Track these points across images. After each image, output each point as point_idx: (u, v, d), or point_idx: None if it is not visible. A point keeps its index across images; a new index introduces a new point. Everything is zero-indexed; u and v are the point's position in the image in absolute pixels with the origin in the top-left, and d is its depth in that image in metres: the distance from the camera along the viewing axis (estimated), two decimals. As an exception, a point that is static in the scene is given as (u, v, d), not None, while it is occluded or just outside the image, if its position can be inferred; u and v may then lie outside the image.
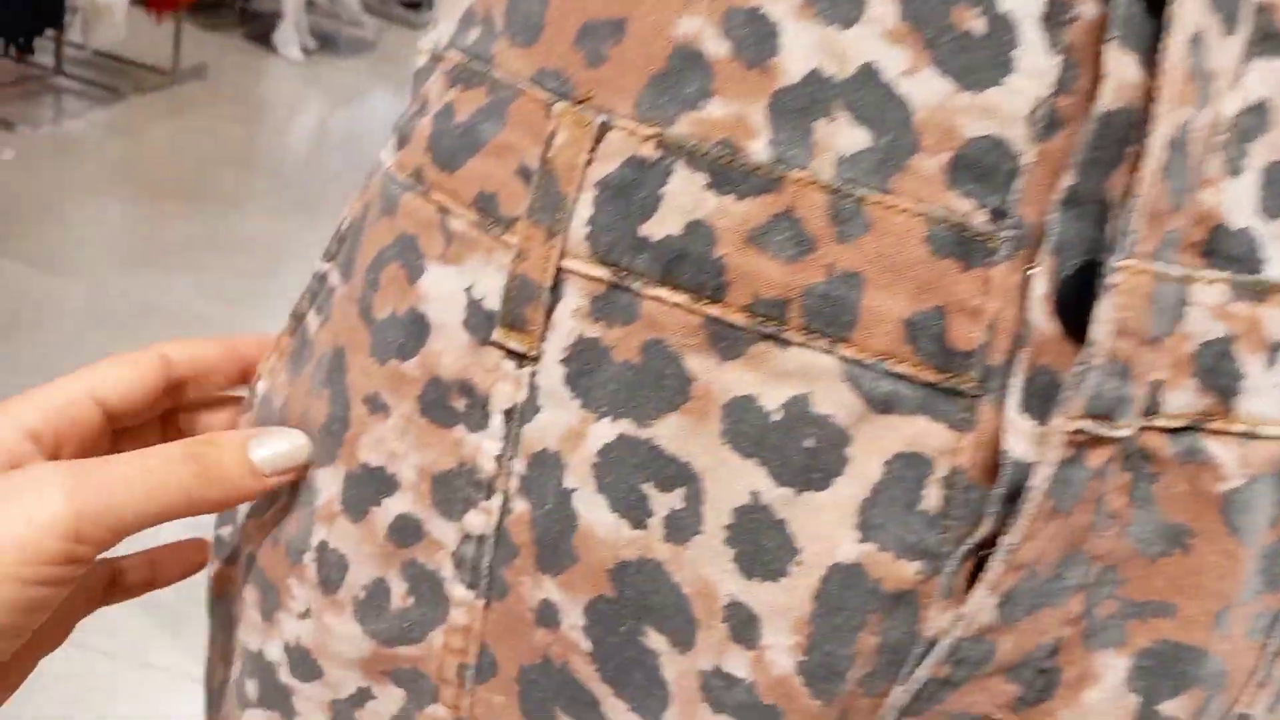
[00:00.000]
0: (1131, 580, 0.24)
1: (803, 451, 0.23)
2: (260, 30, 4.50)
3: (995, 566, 0.23)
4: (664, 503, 0.25)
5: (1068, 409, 0.22)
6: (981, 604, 0.23)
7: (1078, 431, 0.22)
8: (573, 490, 0.25)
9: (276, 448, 0.29)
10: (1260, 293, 0.22)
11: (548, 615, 0.27)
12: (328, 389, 0.29)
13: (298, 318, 0.33)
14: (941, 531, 0.23)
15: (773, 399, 0.23)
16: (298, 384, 0.31)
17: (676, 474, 0.24)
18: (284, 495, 0.31)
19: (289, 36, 4.36)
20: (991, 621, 0.24)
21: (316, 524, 0.29)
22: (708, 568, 0.24)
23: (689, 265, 0.23)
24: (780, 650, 0.24)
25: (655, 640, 0.25)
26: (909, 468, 0.23)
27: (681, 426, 0.24)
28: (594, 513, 0.25)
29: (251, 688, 0.32)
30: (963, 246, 0.22)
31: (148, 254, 2.50)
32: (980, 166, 0.22)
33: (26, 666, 0.31)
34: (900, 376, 0.23)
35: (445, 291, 0.27)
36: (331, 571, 0.29)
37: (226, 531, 0.35)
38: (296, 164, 3.39)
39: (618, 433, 0.25)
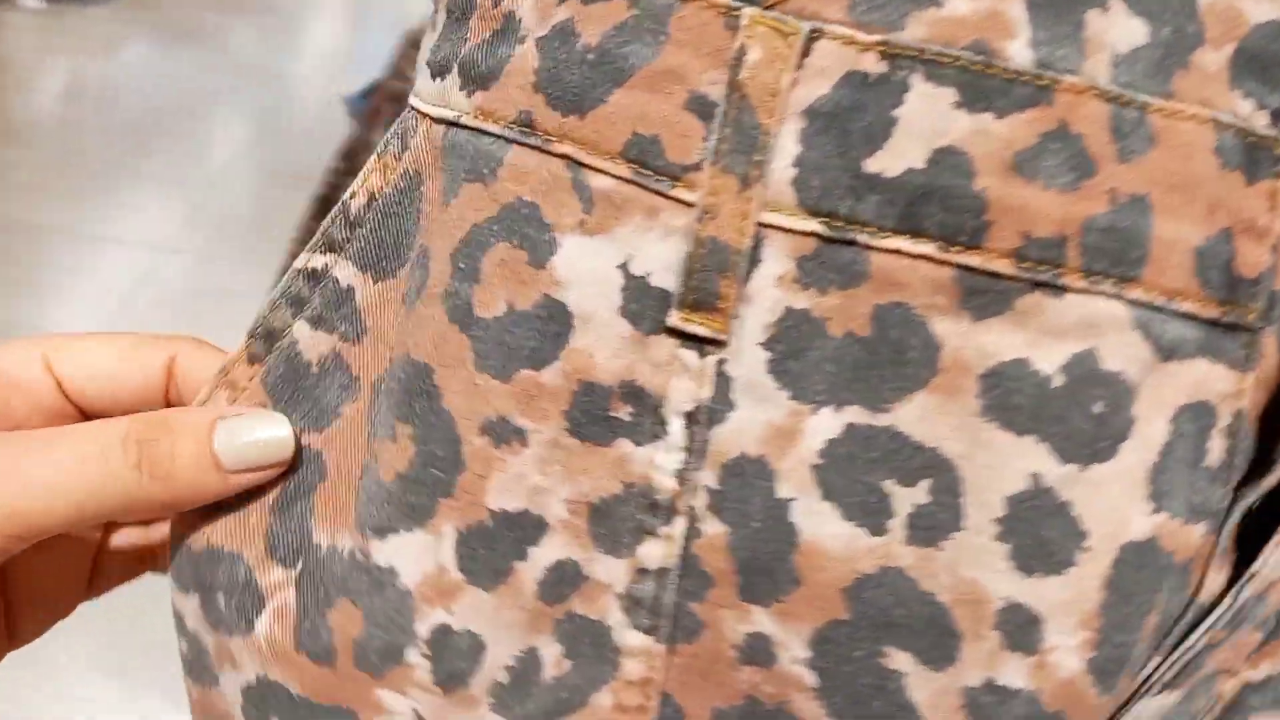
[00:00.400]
0: None
1: (1090, 419, 0.20)
2: None
3: None
4: (907, 499, 0.20)
5: None
6: (1272, 558, 0.21)
7: None
8: (790, 501, 0.21)
9: (249, 434, 0.23)
10: None
11: (758, 652, 0.22)
12: (407, 425, 0.22)
13: (269, 336, 0.25)
14: (1224, 485, 0.21)
15: (1050, 361, 0.19)
16: (324, 435, 0.24)
17: (924, 464, 0.20)
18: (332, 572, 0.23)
19: None
20: (1276, 576, 0.21)
21: (419, 607, 0.22)
22: (973, 569, 0.20)
23: (937, 205, 0.19)
24: (1067, 651, 0.21)
25: (899, 660, 0.21)
26: (1194, 420, 0.20)
27: (928, 407, 0.20)
28: (822, 525, 0.21)
29: None
30: (1248, 155, 0.20)
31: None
32: (1263, 59, 0.19)
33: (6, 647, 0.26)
34: (1187, 316, 0.19)
35: (591, 271, 0.20)
36: (458, 662, 0.22)
37: (184, 647, 0.26)
38: (48, 130, 2.98)
39: (844, 423, 0.20)
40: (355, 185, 0.24)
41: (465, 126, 0.22)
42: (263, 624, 0.24)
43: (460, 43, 0.22)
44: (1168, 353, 0.20)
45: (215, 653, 0.25)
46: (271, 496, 0.24)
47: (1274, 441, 0.21)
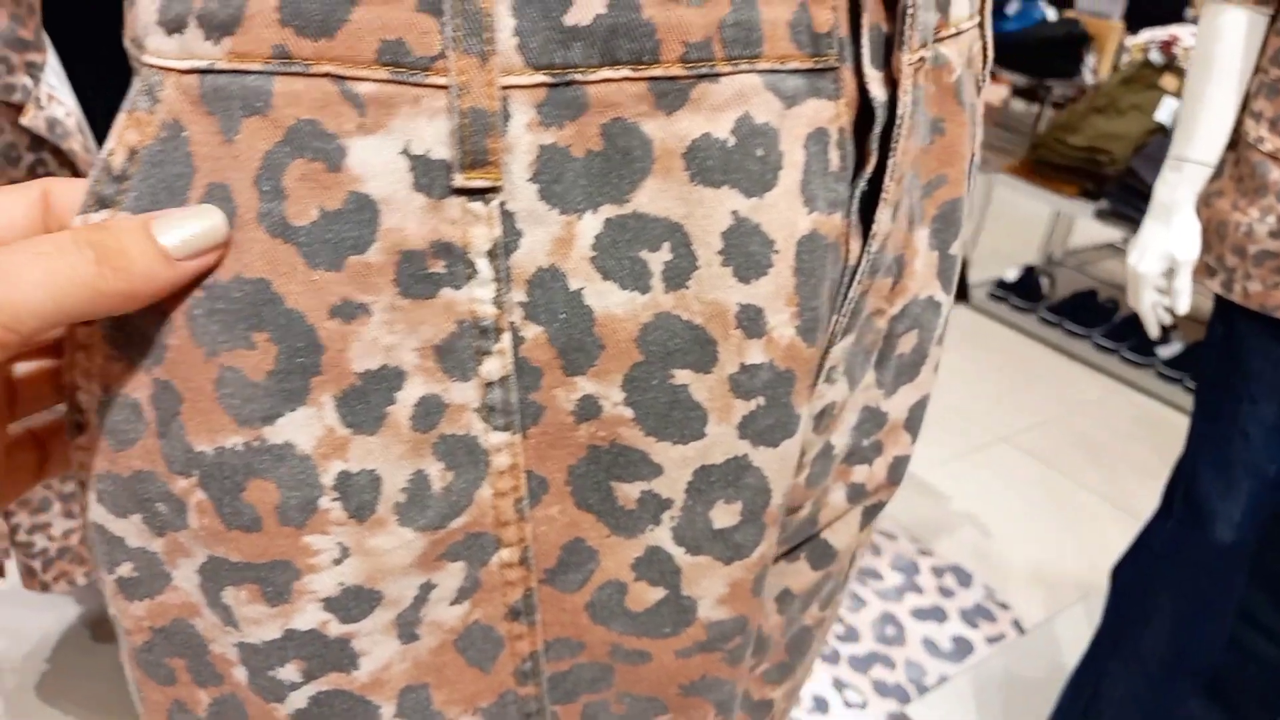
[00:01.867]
0: (921, 172, 0.34)
1: (758, 161, 0.27)
2: None
3: (889, 185, 0.30)
4: (658, 260, 0.28)
5: (910, 45, 0.29)
6: (882, 218, 0.31)
7: (920, 60, 0.30)
8: (581, 289, 0.27)
9: (188, 229, 0.25)
10: None
11: (588, 409, 0.28)
12: (260, 332, 0.25)
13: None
14: (845, 182, 0.29)
15: (722, 129, 0.27)
16: (166, 363, 0.26)
17: (662, 231, 0.27)
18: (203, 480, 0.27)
19: None
20: (888, 230, 0.32)
21: (318, 463, 0.27)
22: (713, 293, 0.28)
23: (623, 37, 0.25)
24: (782, 325, 0.29)
25: (682, 376, 0.29)
26: (817, 142, 0.28)
27: (655, 189, 0.27)
28: (607, 299, 0.27)
29: (290, 671, 0.29)
30: None
31: None
32: None
33: None
34: (795, 71, 0.27)
35: (380, 162, 0.25)
36: (363, 495, 0.27)
37: (127, 569, 0.29)
38: None
39: (603, 220, 0.27)
40: (109, 144, 0.25)
41: (222, 71, 0.24)
42: (192, 518, 0.27)
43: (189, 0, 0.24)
44: (790, 101, 0.27)
45: (167, 552, 0.28)
46: (153, 422, 0.27)
47: (864, 141, 0.30)
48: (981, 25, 0.36)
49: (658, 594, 0.32)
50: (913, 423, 0.40)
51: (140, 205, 0.25)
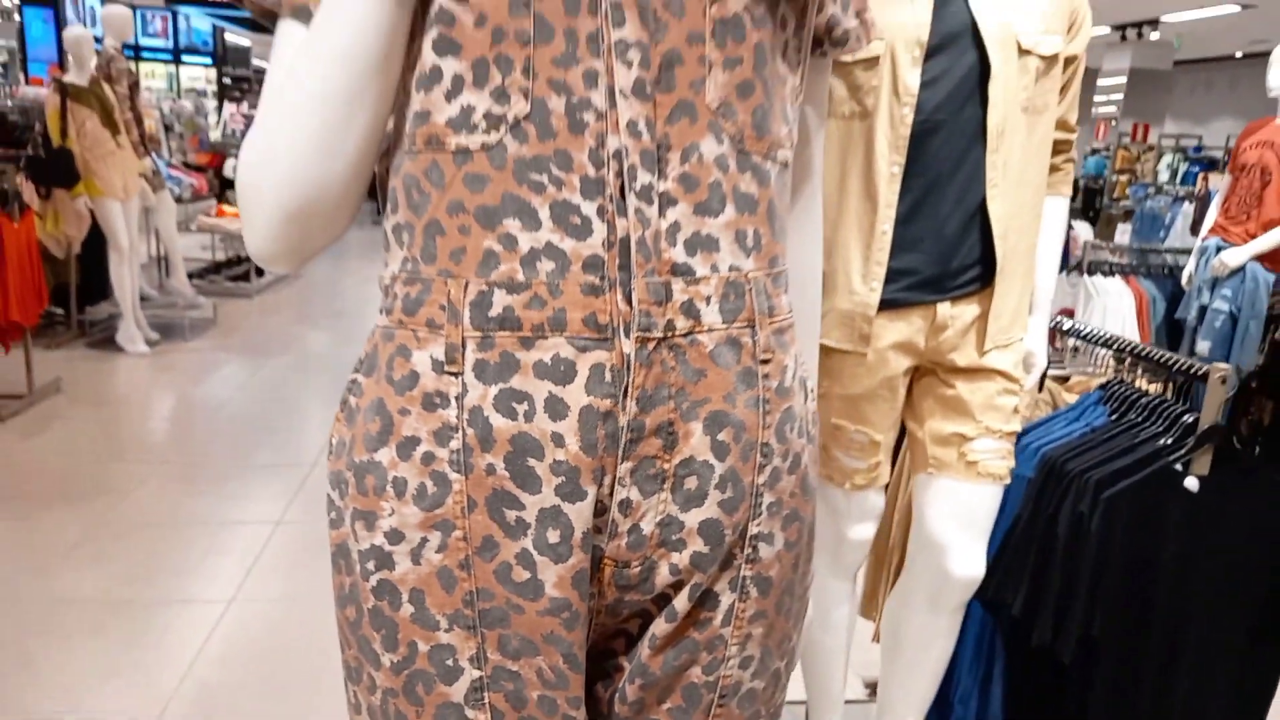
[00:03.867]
0: (690, 391, 0.62)
1: (561, 373, 0.61)
2: (102, 335, 4.85)
3: (631, 391, 0.60)
4: (520, 408, 0.60)
5: (634, 331, 0.59)
6: (630, 405, 0.61)
7: (650, 338, 0.60)
8: (489, 415, 0.59)
9: None
10: None
11: (491, 469, 0.60)
12: (377, 417, 0.61)
13: (345, 403, 0.65)
14: (616, 385, 0.60)
15: (549, 356, 0.60)
16: (354, 427, 0.63)
17: (520, 395, 0.59)
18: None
19: (131, 333, 4.69)
20: (635, 410, 0.61)
21: (389, 470, 0.62)
22: (542, 424, 0.60)
23: (510, 324, 0.60)
24: (573, 443, 0.62)
25: (530, 460, 0.61)
26: (597, 369, 0.60)
27: (520, 378, 0.59)
28: (498, 420, 0.59)
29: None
30: None
31: (50, 559, 2.60)
32: None
33: None
34: (587, 338, 0.59)
35: (424, 360, 0.60)
36: (399, 487, 0.62)
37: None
38: (167, 445, 3.56)
39: (498, 389, 0.59)
40: (363, 348, 0.68)
41: (382, 326, 0.67)
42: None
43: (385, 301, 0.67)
44: (581, 349, 0.60)
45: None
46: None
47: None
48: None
49: (527, 574, 0.60)
50: (704, 530, 0.63)
51: (365, 371, 0.66)
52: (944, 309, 1.38)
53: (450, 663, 0.61)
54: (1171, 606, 1.56)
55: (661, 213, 0.58)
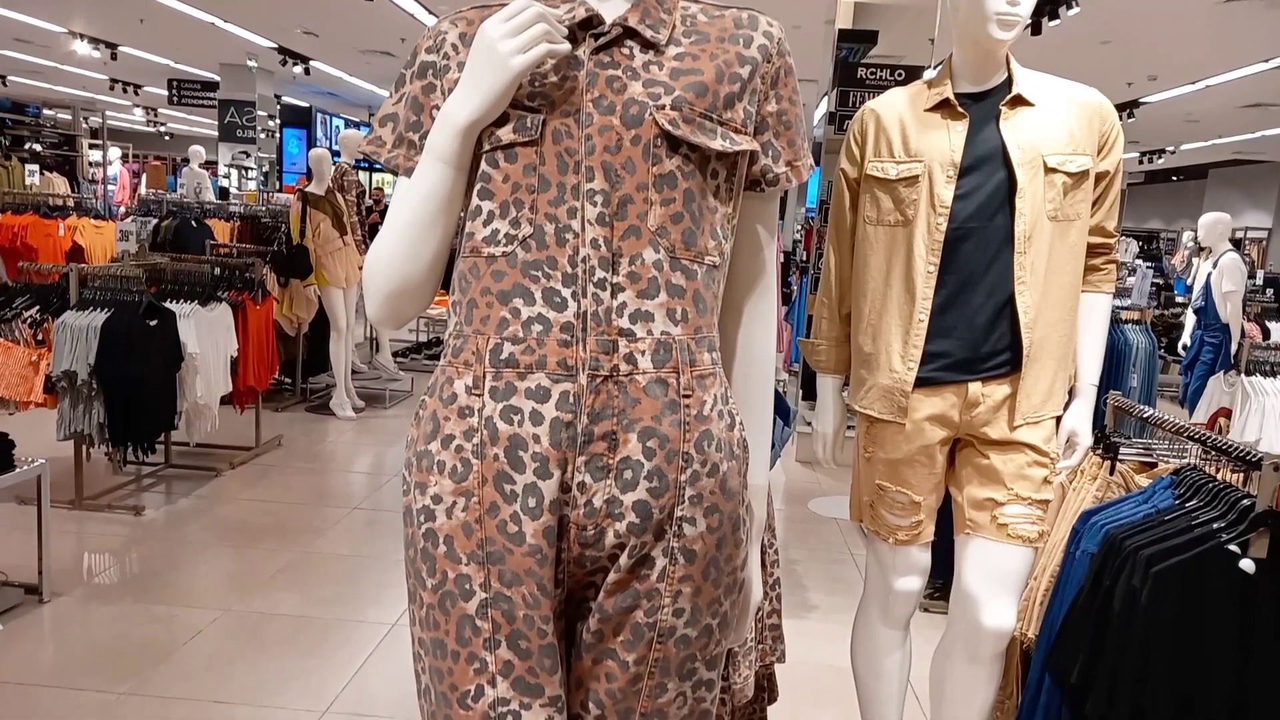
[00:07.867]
0: (630, 413, 0.90)
1: (539, 397, 0.89)
2: (319, 402, 5.69)
3: (581, 412, 0.89)
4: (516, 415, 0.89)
5: (585, 370, 0.89)
6: (583, 420, 0.89)
7: (598, 375, 0.89)
8: (496, 421, 0.90)
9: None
10: None
11: (500, 457, 0.90)
12: (430, 422, 0.93)
13: (416, 414, 0.95)
14: (577, 405, 0.89)
15: (534, 386, 0.90)
16: (419, 428, 0.95)
17: (514, 408, 0.89)
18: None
19: (342, 400, 5.48)
20: (586, 422, 0.89)
21: (436, 453, 0.92)
22: (521, 429, 0.89)
23: (510, 365, 0.90)
24: (545, 437, 0.90)
25: (520, 453, 0.89)
26: (563, 395, 0.88)
27: (516, 400, 0.89)
28: (501, 423, 0.89)
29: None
30: None
31: (258, 581, 3.12)
32: None
33: None
34: (558, 374, 0.89)
35: (461, 385, 0.92)
36: (438, 459, 0.92)
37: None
38: (361, 495, 4.13)
39: (502, 404, 0.89)
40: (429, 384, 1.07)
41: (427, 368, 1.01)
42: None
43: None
44: (555, 380, 0.89)
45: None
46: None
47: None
48: None
49: (515, 528, 0.89)
50: (636, 507, 0.89)
51: (429, 392, 1.18)
52: (975, 388, 1.57)
53: (468, 587, 0.89)
54: (1225, 685, 1.60)
55: (614, 296, 0.88)
